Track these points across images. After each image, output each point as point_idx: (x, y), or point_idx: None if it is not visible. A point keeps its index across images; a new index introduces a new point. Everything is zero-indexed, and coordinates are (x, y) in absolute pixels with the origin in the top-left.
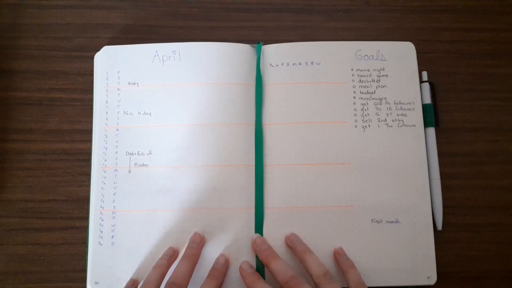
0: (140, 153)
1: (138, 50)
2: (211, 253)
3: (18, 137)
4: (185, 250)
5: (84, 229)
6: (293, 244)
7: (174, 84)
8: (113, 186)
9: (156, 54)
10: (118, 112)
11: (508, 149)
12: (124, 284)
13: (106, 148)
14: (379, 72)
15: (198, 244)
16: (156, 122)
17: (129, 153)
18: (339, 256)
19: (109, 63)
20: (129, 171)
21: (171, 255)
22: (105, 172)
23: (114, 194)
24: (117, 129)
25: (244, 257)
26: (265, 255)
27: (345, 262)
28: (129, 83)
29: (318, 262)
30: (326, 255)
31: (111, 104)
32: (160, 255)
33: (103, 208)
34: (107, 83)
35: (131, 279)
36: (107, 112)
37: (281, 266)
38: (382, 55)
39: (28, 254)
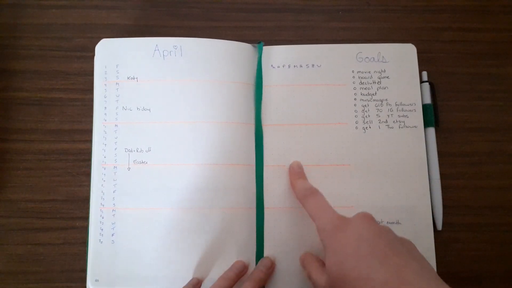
0: (139, 150)
1: (138, 44)
2: (211, 254)
3: (18, 137)
4: (253, 272)
5: (84, 229)
6: (290, 169)
7: (174, 80)
8: (112, 183)
9: (157, 49)
10: (116, 108)
11: (508, 149)
12: (129, 279)
13: (105, 144)
14: (380, 74)
15: (268, 269)
16: (156, 118)
17: (128, 150)
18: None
19: (108, 56)
20: (129, 168)
21: (241, 270)
22: (104, 169)
23: (114, 192)
24: (116, 125)
25: (245, 257)
26: (295, 176)
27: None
28: (128, 78)
29: (306, 183)
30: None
31: (109, 99)
32: (160, 254)
33: (103, 205)
34: (105, 77)
35: (195, 278)
36: (105, 108)
37: (304, 183)
38: (383, 57)
39: (28, 254)
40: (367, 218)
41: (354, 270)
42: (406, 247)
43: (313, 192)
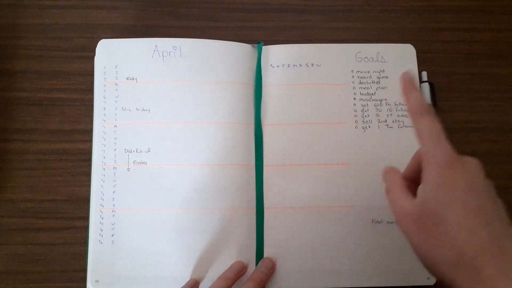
0: (138, 150)
1: (137, 45)
2: (211, 254)
3: (18, 137)
4: (254, 272)
5: (84, 229)
6: (402, 78)
7: (174, 81)
8: (112, 184)
9: (156, 49)
10: (116, 108)
11: (508, 149)
12: (129, 280)
13: (104, 145)
14: (379, 74)
15: (269, 269)
16: (155, 119)
17: (127, 151)
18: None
19: (107, 57)
20: (128, 169)
21: (240, 270)
22: (104, 169)
23: (113, 192)
24: (115, 126)
25: (245, 257)
26: (408, 86)
27: (408, 84)
28: (127, 78)
29: (422, 99)
30: (326, 256)
31: (108, 99)
32: (160, 254)
33: (103, 206)
34: (105, 78)
35: (192, 279)
36: (104, 108)
37: (420, 99)
38: (382, 57)
39: (28, 254)
40: (479, 168)
41: (455, 216)
42: (504, 211)
43: (430, 113)
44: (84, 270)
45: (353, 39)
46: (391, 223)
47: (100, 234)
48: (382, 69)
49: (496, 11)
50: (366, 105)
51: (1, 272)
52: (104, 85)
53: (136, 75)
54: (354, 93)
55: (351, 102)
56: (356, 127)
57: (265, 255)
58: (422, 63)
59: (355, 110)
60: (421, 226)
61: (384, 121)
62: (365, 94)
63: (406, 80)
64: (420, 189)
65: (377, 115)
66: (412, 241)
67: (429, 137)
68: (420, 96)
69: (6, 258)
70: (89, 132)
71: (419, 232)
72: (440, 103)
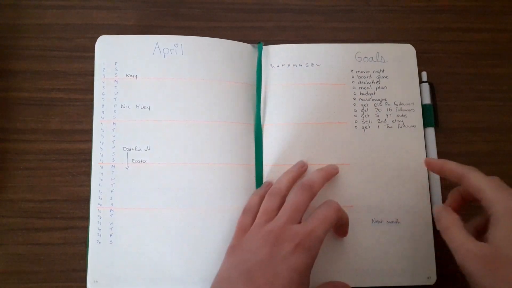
0: (138, 148)
1: (137, 42)
2: (211, 254)
3: (18, 137)
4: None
5: (84, 229)
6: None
7: (174, 78)
8: (110, 183)
9: (157, 46)
10: (115, 105)
11: (508, 149)
12: (127, 280)
13: (102, 143)
14: (378, 74)
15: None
16: (155, 116)
17: (126, 149)
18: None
19: (106, 53)
20: (127, 168)
21: (302, 166)
22: (102, 168)
23: (111, 191)
24: (113, 123)
25: None
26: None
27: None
28: (127, 75)
29: (455, 163)
30: (325, 256)
31: (107, 96)
32: (159, 255)
33: (100, 205)
34: (104, 75)
35: (267, 181)
36: (103, 105)
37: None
38: (381, 57)
39: (28, 254)
40: None
41: None
42: None
43: (475, 169)
44: (84, 270)
45: (353, 39)
46: (390, 223)
47: (98, 233)
48: (381, 69)
49: (496, 11)
50: (366, 105)
51: (1, 272)
52: (103, 82)
53: (136, 72)
54: (354, 93)
55: (351, 102)
56: (356, 127)
57: None
58: (422, 63)
59: (355, 110)
60: (492, 269)
61: (383, 121)
62: (365, 94)
63: (432, 161)
64: (492, 233)
65: (377, 115)
66: (478, 282)
67: (492, 187)
68: (453, 162)
69: (6, 258)
70: (90, 132)
71: (490, 275)
72: (440, 103)
